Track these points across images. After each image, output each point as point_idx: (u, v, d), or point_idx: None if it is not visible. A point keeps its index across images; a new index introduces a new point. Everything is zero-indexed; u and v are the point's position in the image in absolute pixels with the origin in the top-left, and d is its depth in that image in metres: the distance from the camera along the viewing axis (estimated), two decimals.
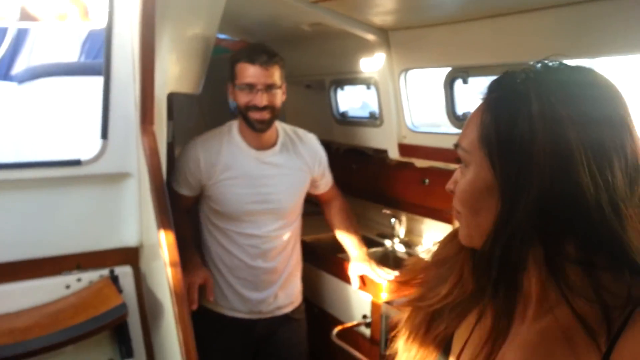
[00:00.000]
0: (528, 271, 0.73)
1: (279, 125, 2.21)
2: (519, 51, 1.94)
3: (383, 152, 2.79)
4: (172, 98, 1.97)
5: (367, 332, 2.34)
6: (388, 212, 2.91)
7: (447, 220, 2.71)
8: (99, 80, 1.74)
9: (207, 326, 2.25)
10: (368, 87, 2.73)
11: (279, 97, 2.09)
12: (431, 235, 2.86)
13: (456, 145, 0.78)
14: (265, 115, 2.04)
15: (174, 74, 1.86)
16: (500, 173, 0.70)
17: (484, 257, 0.73)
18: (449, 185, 0.80)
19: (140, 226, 1.93)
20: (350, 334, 2.38)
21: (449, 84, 2.29)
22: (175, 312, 1.68)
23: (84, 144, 1.80)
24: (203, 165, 2.11)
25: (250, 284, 2.20)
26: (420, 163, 2.68)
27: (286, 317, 2.32)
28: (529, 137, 0.67)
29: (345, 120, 3.05)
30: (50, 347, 1.59)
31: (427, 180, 2.84)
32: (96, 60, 2.27)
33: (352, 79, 2.82)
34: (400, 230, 2.90)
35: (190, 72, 1.93)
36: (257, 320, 2.25)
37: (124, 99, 1.78)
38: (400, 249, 2.85)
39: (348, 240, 2.41)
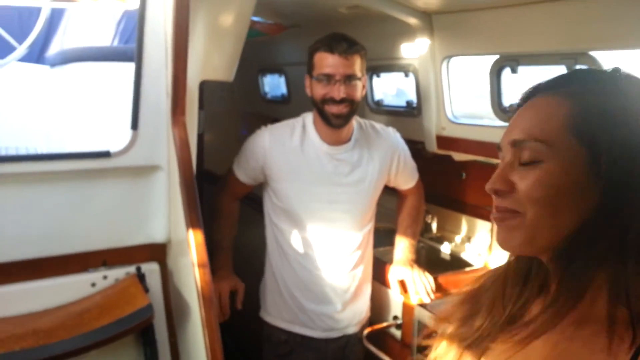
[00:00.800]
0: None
1: (354, 119, 2.04)
2: (576, 39, 1.79)
3: (419, 144, 2.65)
4: (203, 84, 1.86)
5: (397, 333, 2.23)
6: None
7: (483, 216, 2.59)
8: (131, 66, 1.64)
9: (275, 346, 2.13)
10: (406, 75, 2.58)
11: (359, 89, 1.93)
12: (466, 230, 2.73)
13: (519, 141, 0.72)
14: (343, 109, 1.89)
15: (207, 60, 1.75)
16: (607, 170, 0.66)
17: (561, 259, 0.70)
18: (498, 185, 0.73)
19: (168, 221, 1.84)
20: (381, 336, 2.26)
21: (496, 73, 2.13)
22: (203, 316, 1.59)
23: (112, 134, 1.70)
24: (268, 155, 1.98)
25: (316, 297, 2.05)
26: (458, 156, 2.53)
27: (354, 337, 2.16)
28: (634, 132, 0.66)
29: (379, 109, 2.91)
30: (75, 352, 1.51)
31: (464, 174, 2.71)
32: (129, 44, 2.17)
33: (389, 66, 2.67)
34: (432, 225, 2.78)
35: (223, 59, 1.81)
36: (328, 340, 2.10)
37: (156, 87, 1.67)
38: (437, 245, 2.74)
39: (399, 241, 2.25)
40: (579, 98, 0.70)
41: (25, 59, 2.28)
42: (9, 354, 1.45)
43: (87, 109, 1.83)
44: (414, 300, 2.09)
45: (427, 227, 2.80)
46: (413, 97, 2.65)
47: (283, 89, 3.72)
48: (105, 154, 1.66)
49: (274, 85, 3.91)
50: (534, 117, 0.72)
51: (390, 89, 3.09)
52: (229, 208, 2.12)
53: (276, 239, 2.07)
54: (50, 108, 2.07)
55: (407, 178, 2.21)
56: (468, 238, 2.69)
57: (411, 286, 2.10)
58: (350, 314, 2.11)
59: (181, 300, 1.82)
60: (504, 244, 0.75)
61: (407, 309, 2.16)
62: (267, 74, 3.90)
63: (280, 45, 3.44)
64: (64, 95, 1.99)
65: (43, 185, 1.65)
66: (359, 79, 1.90)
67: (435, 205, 2.78)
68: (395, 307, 2.23)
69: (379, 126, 2.13)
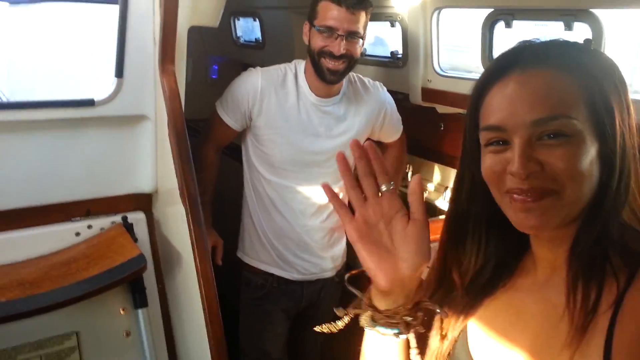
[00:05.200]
0: None
1: None
2: None
3: (400, 95, 2.64)
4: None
5: None
6: None
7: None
8: (114, 9, 1.53)
9: (252, 290, 2.17)
10: (392, 25, 2.53)
11: (359, 48, 1.88)
12: (440, 179, 2.80)
13: (544, 119, 0.69)
14: (340, 65, 1.84)
15: (196, 5, 1.65)
16: (612, 138, 0.70)
17: (592, 230, 0.71)
18: (532, 167, 0.69)
19: (155, 171, 1.79)
20: (362, 280, 2.33)
21: (489, 27, 2.10)
22: (198, 267, 1.59)
23: (95, 82, 1.62)
24: (259, 97, 1.91)
25: (294, 244, 2.08)
26: (442, 109, 2.54)
27: (330, 280, 2.21)
28: (626, 102, 0.71)
29: (361, 58, 2.84)
30: (64, 303, 1.48)
31: (442, 125, 2.73)
32: None
33: (376, 15, 2.58)
34: (407, 173, 2.83)
35: (211, 3, 1.71)
36: (304, 283, 2.15)
37: (142, 32, 1.58)
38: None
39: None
40: (583, 73, 0.71)
41: None
42: None
43: (66, 57, 1.71)
44: None
45: (404, 175, 2.84)
46: (396, 47, 2.61)
47: (257, 34, 3.60)
48: (89, 103, 1.59)
49: (247, 29, 3.77)
50: (549, 92, 0.70)
51: (368, 37, 3.02)
52: (213, 160, 2.08)
53: (254, 186, 2.07)
54: (11, 50, 1.93)
55: (391, 132, 2.22)
56: (442, 187, 2.76)
57: None
58: (328, 260, 2.17)
59: (170, 250, 1.81)
60: (540, 226, 0.72)
61: None
62: (241, 17, 3.74)
63: None
64: (34, 37, 1.85)
65: (25, 134, 1.57)
66: (362, 37, 1.85)
67: (410, 154, 2.80)
68: None
69: (367, 81, 2.11)
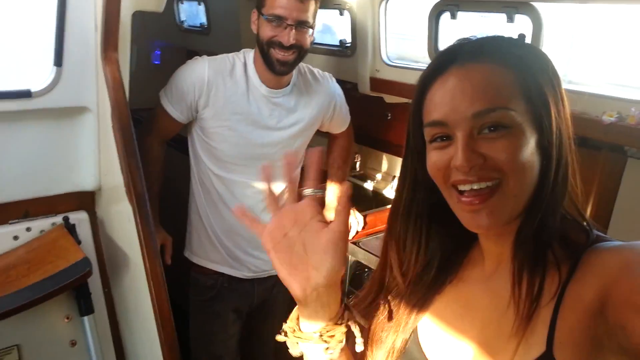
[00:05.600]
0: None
1: None
2: None
3: (348, 84, 2.62)
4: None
5: None
6: None
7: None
8: None
9: (200, 291, 2.09)
10: (341, 13, 2.50)
11: (309, 37, 1.82)
12: (387, 168, 2.82)
13: (484, 111, 0.69)
14: (290, 56, 1.77)
15: None
16: (549, 130, 0.70)
17: (532, 221, 0.71)
18: (475, 159, 0.70)
19: (98, 167, 1.69)
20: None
21: (435, 17, 2.12)
22: (147, 268, 1.51)
23: (33, 72, 1.49)
24: (207, 88, 1.82)
25: (244, 241, 2.01)
26: (390, 99, 2.55)
27: None
28: (560, 94, 0.72)
29: (310, 47, 2.82)
30: (3, 314, 1.37)
31: (389, 115, 2.75)
32: None
33: (324, 2, 2.56)
34: (357, 163, 2.86)
35: None
36: (255, 281, 2.08)
37: (83, 17, 1.46)
38: (360, 182, 2.84)
39: (330, 182, 2.24)
40: (519, 67, 0.72)
41: None
42: None
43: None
44: None
45: (352, 164, 2.84)
46: (344, 36, 2.59)
47: (202, 18, 3.47)
48: (25, 94, 1.46)
49: (191, 13, 3.64)
50: (488, 86, 0.71)
51: (317, 25, 2.98)
52: (158, 153, 1.97)
53: (202, 181, 1.99)
54: None
55: (340, 124, 2.20)
56: (389, 176, 2.78)
57: None
58: None
59: (116, 251, 1.72)
60: (490, 226, 0.72)
61: None
62: (185, 0, 3.60)
63: None
64: None
65: None
66: (311, 26, 1.80)
67: (359, 144, 2.81)
68: None
69: (317, 72, 2.07)
